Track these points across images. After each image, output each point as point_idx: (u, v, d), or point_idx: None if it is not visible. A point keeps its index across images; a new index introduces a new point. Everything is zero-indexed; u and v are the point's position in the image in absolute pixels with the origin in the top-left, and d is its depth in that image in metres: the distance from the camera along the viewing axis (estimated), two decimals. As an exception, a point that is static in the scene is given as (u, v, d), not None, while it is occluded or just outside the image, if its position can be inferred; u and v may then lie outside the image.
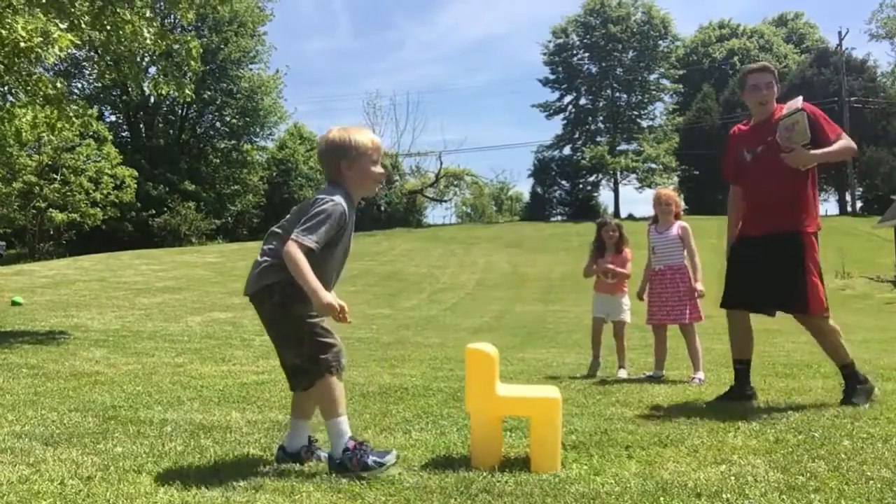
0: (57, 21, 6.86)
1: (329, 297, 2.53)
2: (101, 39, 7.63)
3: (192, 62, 7.95)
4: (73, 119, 8.17)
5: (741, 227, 4.20)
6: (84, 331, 8.96)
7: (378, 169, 2.81)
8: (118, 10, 7.36)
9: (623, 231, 5.84)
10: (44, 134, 8.47)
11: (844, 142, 3.94)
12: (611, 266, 5.70)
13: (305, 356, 2.65)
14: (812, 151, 3.81)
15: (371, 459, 2.54)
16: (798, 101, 3.93)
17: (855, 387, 3.91)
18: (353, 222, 2.79)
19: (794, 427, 3.32)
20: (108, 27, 7.42)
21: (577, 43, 53.89)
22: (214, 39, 37.64)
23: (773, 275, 3.94)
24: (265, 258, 2.72)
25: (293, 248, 2.55)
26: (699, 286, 5.23)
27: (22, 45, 6.60)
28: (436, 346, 8.63)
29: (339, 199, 2.67)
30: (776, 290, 3.96)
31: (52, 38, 6.73)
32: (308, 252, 2.56)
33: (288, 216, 2.78)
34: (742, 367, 4.20)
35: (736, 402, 4.00)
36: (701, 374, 5.13)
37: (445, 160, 48.81)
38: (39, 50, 6.78)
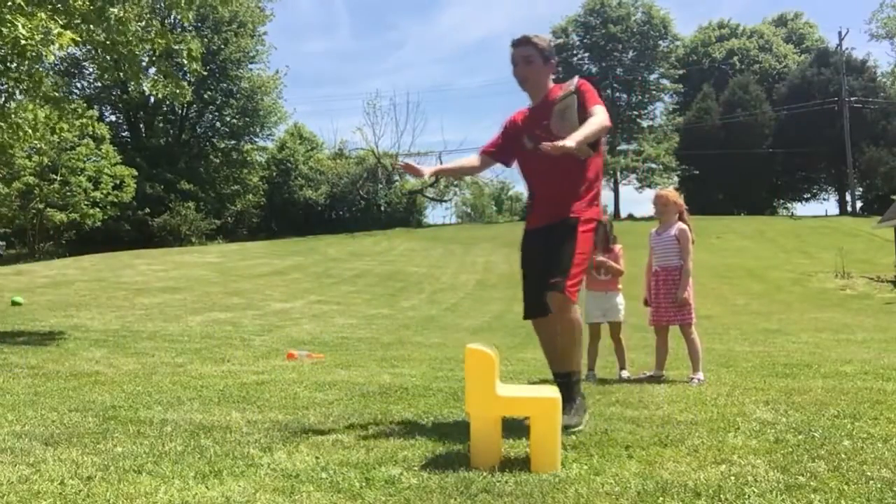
0: (57, 18, 6.84)
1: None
2: (99, 39, 7.62)
3: (194, 63, 7.91)
4: (73, 121, 8.16)
5: (526, 221, 3.82)
6: (84, 331, 8.96)
7: None
8: (114, 7, 7.35)
9: (609, 228, 5.58)
10: (43, 136, 8.44)
11: (596, 118, 3.41)
12: (602, 259, 5.54)
13: None
14: (564, 142, 3.18)
15: None
16: (573, 82, 3.51)
17: (571, 401, 3.36)
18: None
19: (794, 427, 3.32)
20: (107, 24, 7.40)
21: (578, 43, 53.89)
22: (215, 40, 37.64)
23: (542, 262, 3.51)
24: None
25: None
26: (683, 294, 5.14)
27: (23, 42, 6.59)
28: (436, 346, 8.63)
29: None
30: (541, 276, 3.46)
31: (53, 36, 6.71)
32: None
33: None
34: (564, 380, 3.58)
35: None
36: (701, 375, 5.12)
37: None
38: (40, 47, 6.76)
